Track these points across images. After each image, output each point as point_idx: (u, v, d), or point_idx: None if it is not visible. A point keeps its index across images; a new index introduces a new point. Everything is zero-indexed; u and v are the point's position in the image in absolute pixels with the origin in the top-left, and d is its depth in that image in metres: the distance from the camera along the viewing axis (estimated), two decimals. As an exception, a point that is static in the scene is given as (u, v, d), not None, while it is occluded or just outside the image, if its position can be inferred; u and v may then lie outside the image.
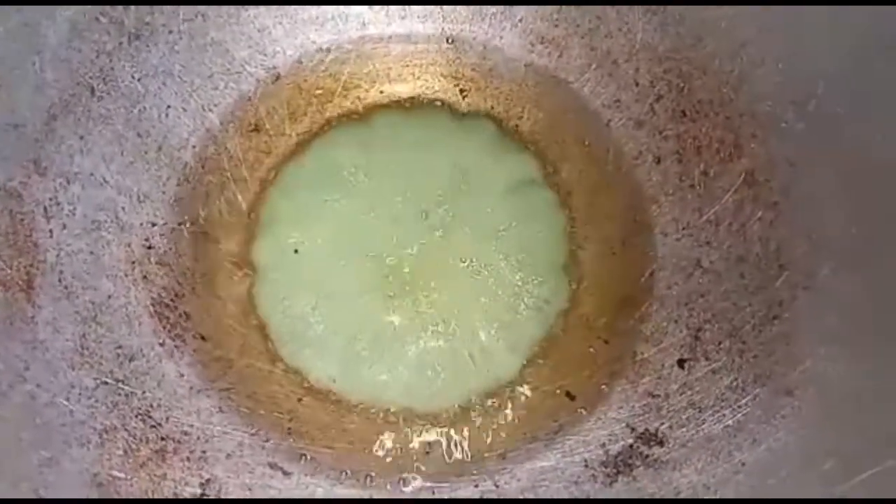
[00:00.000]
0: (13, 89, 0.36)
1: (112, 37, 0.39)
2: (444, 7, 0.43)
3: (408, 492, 0.37)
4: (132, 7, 0.39)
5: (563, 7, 0.42)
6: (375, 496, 0.37)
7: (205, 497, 0.35)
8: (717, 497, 0.35)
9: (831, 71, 0.37)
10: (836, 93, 0.37)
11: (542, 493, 0.37)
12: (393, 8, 0.43)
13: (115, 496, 0.34)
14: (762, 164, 0.39)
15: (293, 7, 0.42)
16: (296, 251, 0.40)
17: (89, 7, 0.38)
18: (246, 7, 0.41)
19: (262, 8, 0.42)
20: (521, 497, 0.37)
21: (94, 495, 0.34)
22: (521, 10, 0.43)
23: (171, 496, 0.35)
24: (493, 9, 0.43)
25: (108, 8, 0.38)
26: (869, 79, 0.36)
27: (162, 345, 0.38)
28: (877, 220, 0.36)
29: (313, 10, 0.43)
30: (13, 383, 0.34)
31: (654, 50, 0.42)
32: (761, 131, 0.39)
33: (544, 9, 0.43)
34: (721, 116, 0.40)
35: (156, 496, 0.35)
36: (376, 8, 0.43)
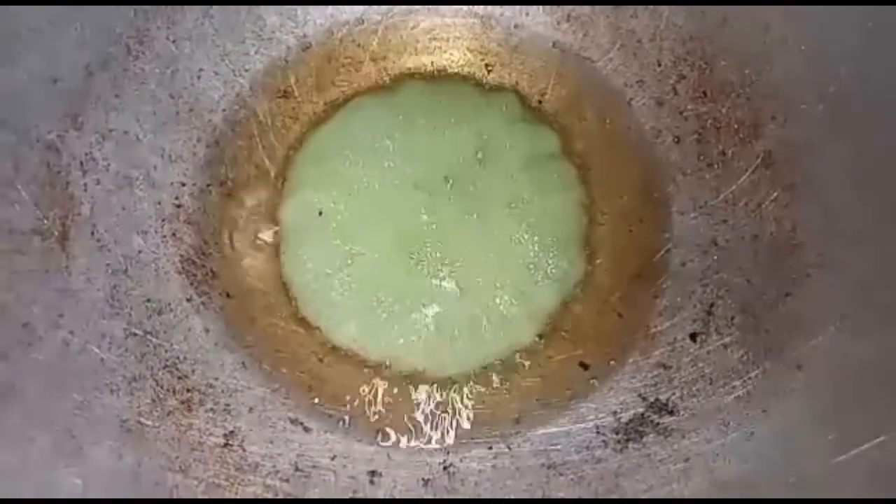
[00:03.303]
0: (54, 43, 0.37)
1: (149, -2, 0.40)
2: (474, -19, 0.44)
3: (423, 450, 0.39)
4: (169, -31, 0.40)
5: (590, -15, 0.43)
6: (392, 455, 0.39)
7: (229, 446, 0.37)
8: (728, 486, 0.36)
9: (853, 55, 0.38)
10: (856, 77, 0.38)
11: (554, 457, 0.38)
12: (423, -19, 0.44)
13: (143, 441, 0.35)
14: (780, 145, 0.40)
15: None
16: (320, 213, 0.41)
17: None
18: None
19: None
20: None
21: (124, 440, 0.35)
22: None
23: (196, 444, 0.36)
24: (520, -15, 0.44)
25: (146, -31, 0.39)
26: (890, 63, 0.37)
27: (189, 300, 0.39)
28: (890, 202, 0.37)
29: (345, -20, 0.43)
30: (48, 329, 0.35)
31: (678, 30, 0.42)
32: (781, 113, 0.40)
33: (572, -14, 0.43)
34: (742, 98, 0.41)
35: (182, 444, 0.36)
36: (406, -20, 0.44)
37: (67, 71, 0.38)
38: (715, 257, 0.41)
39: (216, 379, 0.38)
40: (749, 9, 0.40)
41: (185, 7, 0.41)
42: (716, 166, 0.42)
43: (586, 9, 0.44)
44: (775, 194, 0.40)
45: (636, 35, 0.43)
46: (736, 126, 0.41)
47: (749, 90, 0.41)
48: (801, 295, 0.38)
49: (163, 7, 0.40)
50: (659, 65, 0.43)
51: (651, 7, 0.43)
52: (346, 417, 0.39)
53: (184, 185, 0.41)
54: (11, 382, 0.33)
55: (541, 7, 0.44)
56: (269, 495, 0.36)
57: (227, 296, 0.40)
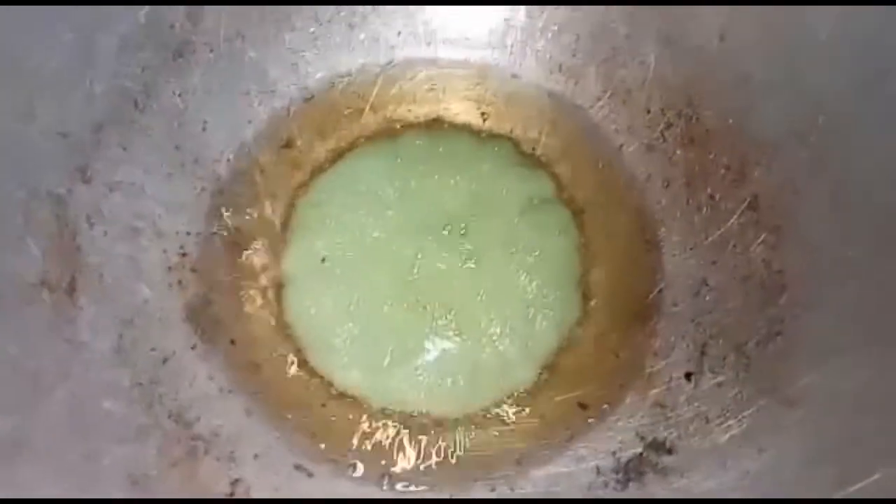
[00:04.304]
0: (64, 100, 0.38)
1: (157, 54, 0.41)
2: (469, 35, 0.46)
3: (427, 493, 0.39)
4: (176, 26, 0.41)
5: (581, 37, 0.45)
6: (397, 499, 0.39)
7: (235, 494, 0.37)
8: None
9: (833, 101, 0.40)
10: (836, 123, 0.40)
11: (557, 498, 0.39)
12: (420, 34, 0.46)
13: (150, 493, 0.35)
14: (766, 189, 0.42)
15: (326, 31, 0.45)
16: (323, 261, 0.42)
17: (138, 25, 0.40)
18: (282, 30, 0.44)
19: (298, 31, 0.44)
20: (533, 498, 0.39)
21: (130, 491, 0.35)
22: (541, 41, 0.46)
23: (201, 496, 0.36)
24: (514, 37, 0.46)
25: (154, 27, 0.41)
26: (869, 109, 0.39)
27: (193, 348, 0.40)
28: (874, 242, 0.38)
29: (345, 34, 0.45)
30: (56, 380, 0.35)
31: (665, 80, 0.44)
32: (766, 158, 0.42)
33: (563, 39, 0.45)
34: (728, 144, 0.43)
35: (187, 495, 0.36)
36: (404, 34, 0.46)
37: (77, 126, 0.39)
38: (706, 298, 0.42)
39: (221, 427, 0.38)
40: (731, 61, 0.42)
41: (192, 62, 0.42)
42: (704, 209, 0.43)
43: (577, 60, 0.46)
44: (763, 236, 0.41)
45: (625, 84, 0.45)
46: (723, 171, 0.43)
47: (734, 137, 0.43)
48: (791, 333, 0.39)
49: (170, 61, 0.42)
50: (648, 112, 0.45)
51: (639, 58, 0.45)
52: (357, 463, 0.39)
53: (189, 233, 0.42)
54: (20, 436, 0.34)
55: (534, 58, 0.46)
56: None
57: (232, 343, 0.41)
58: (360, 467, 0.39)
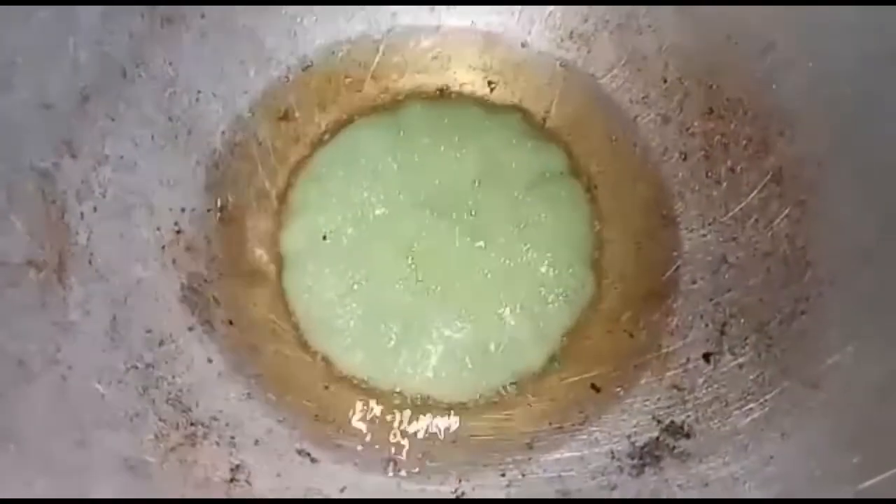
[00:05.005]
0: (47, 70, 0.36)
1: (145, 20, 0.39)
2: None
3: (435, 478, 0.37)
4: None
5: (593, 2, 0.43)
6: (403, 485, 0.37)
7: (236, 481, 0.35)
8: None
9: (859, 71, 0.38)
10: (863, 92, 0.38)
11: (569, 483, 0.37)
12: (423, -1, 0.44)
13: (147, 480, 0.34)
14: (790, 161, 0.40)
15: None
16: (324, 238, 0.41)
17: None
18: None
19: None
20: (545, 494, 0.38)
21: (126, 479, 0.34)
22: (550, 5, 0.43)
23: (201, 481, 0.35)
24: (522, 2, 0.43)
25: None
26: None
27: (191, 330, 0.38)
28: (902, 218, 0.36)
29: (344, -1, 0.43)
30: (45, 365, 0.34)
31: (682, 47, 0.42)
32: (789, 130, 0.40)
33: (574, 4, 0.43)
34: (749, 114, 0.41)
35: (187, 481, 0.35)
36: (407, -1, 0.43)
37: (61, 96, 0.37)
38: (726, 275, 0.40)
39: (220, 411, 0.37)
40: (753, 27, 0.40)
41: (182, 28, 0.40)
42: (724, 183, 0.41)
43: (589, 26, 0.43)
44: (786, 211, 0.39)
45: (640, 52, 0.43)
46: (744, 142, 0.41)
47: (756, 107, 0.41)
48: (815, 313, 0.38)
49: (159, 28, 0.39)
50: (664, 81, 0.42)
51: (655, 25, 0.42)
52: (361, 448, 0.37)
53: (183, 210, 0.40)
54: (7, 423, 0.32)
55: (544, 24, 0.44)
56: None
57: (230, 324, 0.39)
58: (364, 452, 0.38)
